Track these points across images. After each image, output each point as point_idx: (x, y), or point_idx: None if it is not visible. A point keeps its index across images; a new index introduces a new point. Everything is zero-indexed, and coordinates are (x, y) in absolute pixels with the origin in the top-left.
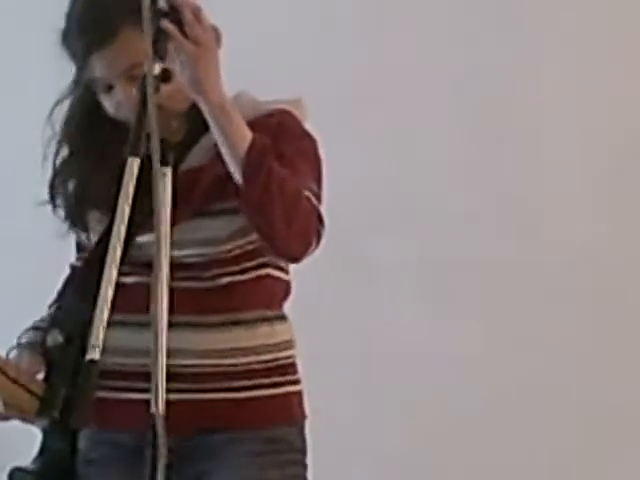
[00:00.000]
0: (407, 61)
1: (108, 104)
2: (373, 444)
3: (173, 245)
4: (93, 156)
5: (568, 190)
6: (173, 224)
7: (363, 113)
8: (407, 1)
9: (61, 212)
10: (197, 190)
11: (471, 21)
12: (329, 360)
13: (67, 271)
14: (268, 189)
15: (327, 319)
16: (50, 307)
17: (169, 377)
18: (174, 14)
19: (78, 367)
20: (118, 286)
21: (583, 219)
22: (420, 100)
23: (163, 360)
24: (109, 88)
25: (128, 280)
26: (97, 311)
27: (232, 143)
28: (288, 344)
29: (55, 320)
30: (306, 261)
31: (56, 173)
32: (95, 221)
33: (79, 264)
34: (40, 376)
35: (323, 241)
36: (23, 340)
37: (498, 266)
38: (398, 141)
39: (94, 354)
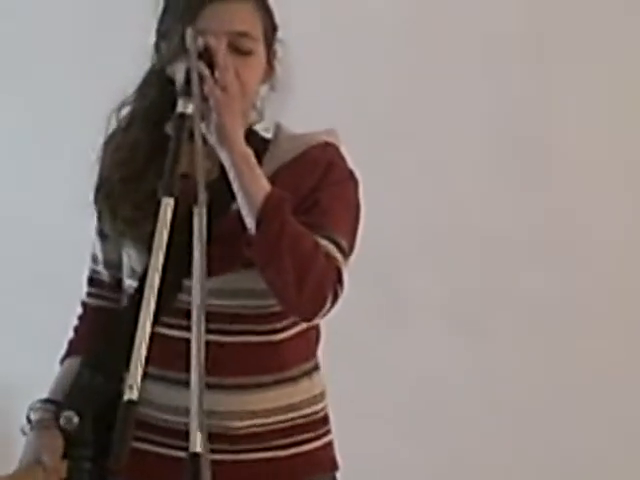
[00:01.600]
0: (441, 95)
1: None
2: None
3: (225, 294)
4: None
5: (602, 222)
6: (225, 271)
7: (395, 147)
8: (441, 38)
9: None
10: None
11: (505, 58)
12: (361, 395)
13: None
14: (280, 243)
15: (359, 355)
16: (62, 361)
17: (215, 438)
18: (207, 56)
19: (99, 440)
20: (161, 337)
21: (616, 250)
22: (453, 134)
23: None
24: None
25: (174, 333)
26: (134, 351)
27: (250, 192)
28: (322, 395)
29: (69, 399)
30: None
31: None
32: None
33: (92, 302)
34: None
35: (355, 275)
36: (36, 417)
37: (531, 299)
38: (430, 175)
39: (132, 394)
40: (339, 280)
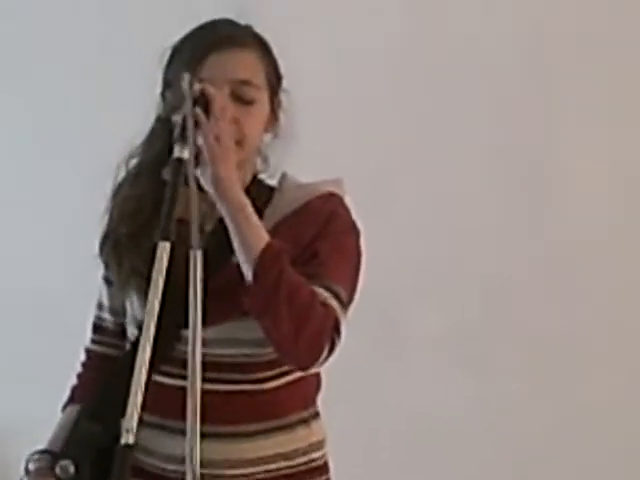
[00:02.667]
0: (439, 129)
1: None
2: None
3: (221, 343)
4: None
5: (607, 256)
6: (223, 320)
7: (395, 180)
8: (439, 73)
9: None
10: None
11: (502, 88)
12: (359, 433)
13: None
14: (277, 292)
15: (357, 389)
16: (64, 408)
17: None
18: (204, 102)
19: None
20: (160, 386)
21: (617, 284)
22: (451, 168)
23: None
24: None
25: (172, 382)
26: (131, 394)
27: (248, 242)
28: (322, 443)
29: (66, 448)
30: None
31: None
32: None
33: (95, 349)
34: None
35: (353, 309)
36: (33, 467)
37: (531, 333)
38: (429, 208)
39: (128, 438)
40: (336, 330)
